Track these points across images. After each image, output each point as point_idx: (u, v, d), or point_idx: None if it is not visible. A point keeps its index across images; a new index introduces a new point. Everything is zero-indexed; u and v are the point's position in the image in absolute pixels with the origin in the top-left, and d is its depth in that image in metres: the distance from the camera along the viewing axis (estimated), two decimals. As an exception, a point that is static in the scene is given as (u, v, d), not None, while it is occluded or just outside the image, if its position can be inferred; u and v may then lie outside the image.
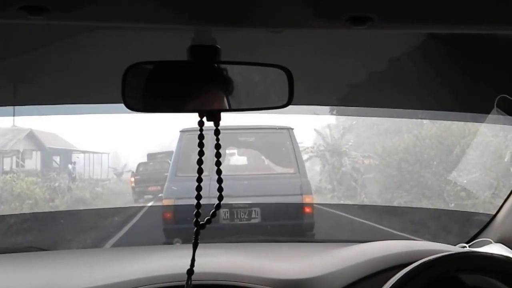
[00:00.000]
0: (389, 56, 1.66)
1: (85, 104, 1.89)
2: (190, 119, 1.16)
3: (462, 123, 10.13)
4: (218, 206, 1.12)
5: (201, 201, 1.13)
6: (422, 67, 1.75)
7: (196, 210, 1.12)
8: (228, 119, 1.17)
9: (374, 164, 14.13)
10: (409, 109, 2.13)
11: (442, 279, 1.34)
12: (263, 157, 7.24)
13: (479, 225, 2.13)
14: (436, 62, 1.68)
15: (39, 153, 17.02)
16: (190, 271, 1.15)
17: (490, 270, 1.34)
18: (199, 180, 1.12)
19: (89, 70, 1.60)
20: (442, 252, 1.37)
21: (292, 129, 6.66)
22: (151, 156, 15.96)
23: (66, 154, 18.32)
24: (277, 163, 6.87)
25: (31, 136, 16.51)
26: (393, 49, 1.59)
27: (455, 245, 1.97)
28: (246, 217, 5.89)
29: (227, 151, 6.95)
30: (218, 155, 1.14)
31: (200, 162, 1.12)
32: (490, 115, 1.77)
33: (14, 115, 2.00)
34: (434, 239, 2.01)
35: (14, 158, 16.15)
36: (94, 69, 1.59)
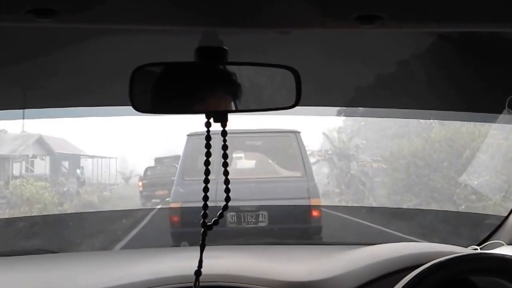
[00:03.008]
0: (398, 57, 1.65)
1: (93, 106, 1.90)
2: (198, 123, 1.16)
3: (472, 125, 10.08)
4: (226, 207, 1.12)
5: (208, 206, 1.13)
6: (431, 68, 1.73)
7: (203, 211, 1.11)
8: (234, 123, 1.17)
9: (382, 168, 14.07)
10: (419, 109, 2.11)
11: (454, 280, 1.32)
12: (270, 160, 7.22)
13: (490, 228, 2.11)
14: (446, 62, 1.67)
15: (48, 158, 17.14)
16: (198, 272, 1.15)
17: (503, 272, 1.32)
18: (206, 181, 1.12)
19: (96, 72, 1.61)
20: (453, 254, 1.35)
21: (299, 132, 6.64)
22: (158, 160, 16.01)
23: (75, 159, 18.43)
24: (284, 167, 6.85)
25: (40, 141, 16.63)
26: (402, 50, 1.58)
27: (466, 248, 1.95)
28: (253, 220, 5.87)
29: (233, 155, 6.94)
30: (225, 156, 1.13)
31: (207, 163, 1.12)
32: (501, 115, 1.76)
33: (23, 118, 2.01)
34: (444, 242, 1.98)
35: (24, 163, 16.28)
36: (102, 71, 1.59)
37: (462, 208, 9.63)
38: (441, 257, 1.33)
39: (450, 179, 10.87)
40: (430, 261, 1.33)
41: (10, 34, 1.27)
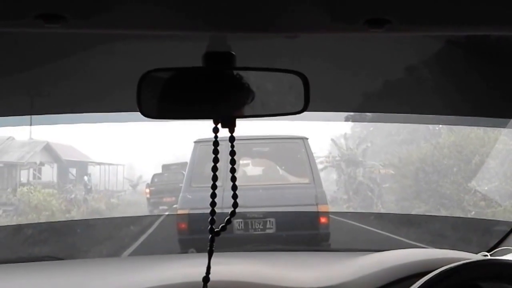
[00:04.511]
0: (407, 62, 1.64)
1: (100, 112, 1.90)
2: (205, 130, 1.15)
3: (482, 131, 10.01)
4: (233, 213, 1.11)
5: (216, 212, 1.12)
6: (440, 73, 1.72)
7: (210, 217, 1.11)
8: (241, 129, 1.16)
9: (390, 174, 14.02)
10: (428, 114, 2.09)
11: (464, 287, 1.31)
12: (277, 167, 7.21)
13: (500, 234, 2.09)
14: (455, 67, 1.66)
15: (55, 165, 17.25)
16: (206, 279, 1.14)
17: None
18: (214, 187, 1.11)
19: (104, 78, 1.61)
20: (463, 260, 1.34)
21: (307, 138, 6.62)
22: (165, 167, 16.05)
23: (82, 166, 18.54)
24: (291, 173, 6.83)
25: (48, 148, 16.75)
26: (410, 55, 1.57)
27: (476, 254, 1.93)
28: (260, 227, 5.85)
29: (241, 162, 6.93)
30: (232, 162, 1.13)
31: (215, 169, 1.11)
32: (512, 120, 1.74)
33: (31, 124, 2.02)
34: (453, 249, 1.97)
35: (31, 170, 16.38)
36: (109, 77, 1.60)
37: (471, 215, 9.55)
38: (451, 263, 1.31)
39: (459, 185, 10.80)
40: (439, 267, 1.31)
41: (18, 40, 1.28)
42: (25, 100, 1.72)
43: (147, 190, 14.94)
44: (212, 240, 1.12)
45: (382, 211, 12.65)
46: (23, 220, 11.37)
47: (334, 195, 13.71)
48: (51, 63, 1.48)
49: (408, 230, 7.96)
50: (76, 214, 12.59)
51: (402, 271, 1.53)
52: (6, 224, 10.42)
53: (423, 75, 1.74)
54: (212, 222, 1.11)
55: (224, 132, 1.10)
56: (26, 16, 0.84)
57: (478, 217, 9.09)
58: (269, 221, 5.87)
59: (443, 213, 10.64)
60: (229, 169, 1.12)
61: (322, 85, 1.49)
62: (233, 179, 1.12)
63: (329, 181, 14.28)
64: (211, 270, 1.14)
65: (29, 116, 1.90)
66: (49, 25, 0.86)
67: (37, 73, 1.54)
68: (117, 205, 15.35)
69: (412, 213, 11.05)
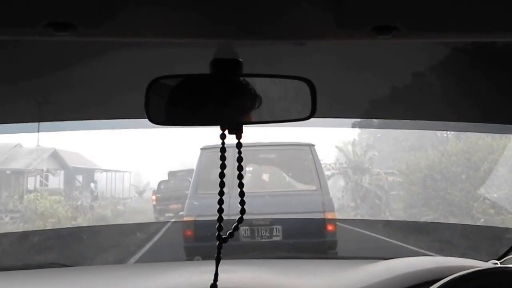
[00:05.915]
0: (414, 68, 1.63)
1: (108, 119, 1.91)
2: (212, 137, 1.15)
3: (490, 138, 9.96)
4: (241, 220, 1.11)
5: (223, 218, 1.12)
6: (448, 79, 1.71)
7: (218, 224, 1.10)
8: (248, 136, 1.16)
9: (398, 181, 13.96)
10: (436, 121, 2.08)
11: None
12: (284, 174, 7.19)
13: (510, 242, 2.06)
14: (463, 73, 1.65)
15: (62, 172, 17.34)
16: (214, 286, 1.14)
17: None
18: (221, 193, 1.11)
19: (111, 85, 1.62)
20: (473, 268, 1.32)
21: (314, 145, 6.61)
22: (172, 174, 16.08)
23: (89, 173, 18.62)
24: (298, 180, 6.81)
25: (55, 155, 16.85)
26: (417, 61, 1.56)
27: (486, 262, 1.91)
28: (267, 234, 5.83)
29: (247, 168, 6.92)
30: (240, 168, 1.12)
31: (222, 175, 1.11)
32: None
33: (38, 131, 2.03)
34: (463, 257, 1.95)
35: (38, 177, 16.47)
36: (117, 84, 1.60)
37: (480, 222, 9.47)
38: (461, 271, 1.30)
39: (467, 192, 10.74)
40: (449, 275, 1.30)
41: (26, 48, 1.28)
42: (32, 107, 1.73)
43: (153, 197, 14.97)
44: (219, 247, 1.11)
45: (390, 218, 12.58)
46: (29, 227, 11.43)
47: (341, 202, 13.66)
48: (59, 70, 1.49)
49: (417, 238, 7.90)
50: (82, 221, 12.63)
51: (411, 279, 1.52)
52: (12, 231, 10.46)
53: (430, 82, 1.73)
54: (220, 228, 1.10)
55: (230, 139, 1.10)
56: (36, 25, 0.84)
57: (487, 225, 9.00)
58: (276, 228, 5.84)
59: (452, 220, 10.58)
60: (235, 176, 1.12)
61: (329, 91, 1.49)
62: (241, 185, 1.12)
63: (336, 188, 14.24)
64: (219, 278, 1.14)
65: (36, 123, 1.91)
66: (58, 33, 0.86)
67: (45, 80, 1.55)
68: (123, 212, 15.38)
69: (421, 220, 10.98)
